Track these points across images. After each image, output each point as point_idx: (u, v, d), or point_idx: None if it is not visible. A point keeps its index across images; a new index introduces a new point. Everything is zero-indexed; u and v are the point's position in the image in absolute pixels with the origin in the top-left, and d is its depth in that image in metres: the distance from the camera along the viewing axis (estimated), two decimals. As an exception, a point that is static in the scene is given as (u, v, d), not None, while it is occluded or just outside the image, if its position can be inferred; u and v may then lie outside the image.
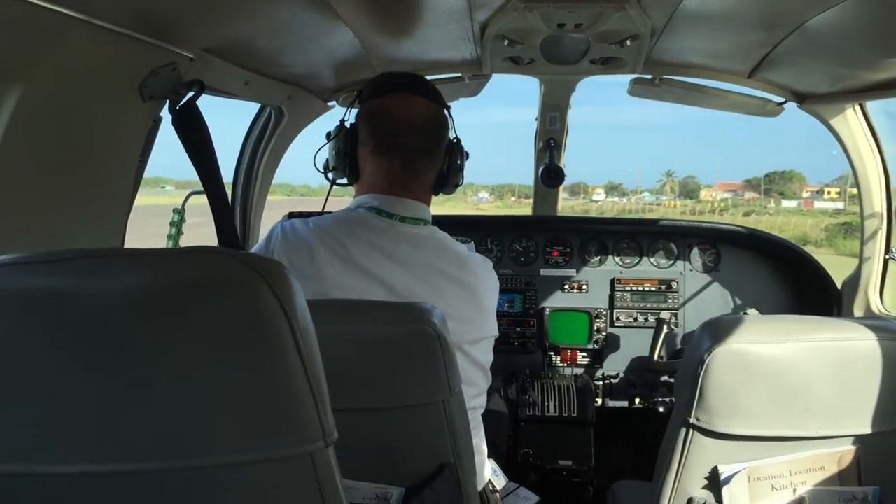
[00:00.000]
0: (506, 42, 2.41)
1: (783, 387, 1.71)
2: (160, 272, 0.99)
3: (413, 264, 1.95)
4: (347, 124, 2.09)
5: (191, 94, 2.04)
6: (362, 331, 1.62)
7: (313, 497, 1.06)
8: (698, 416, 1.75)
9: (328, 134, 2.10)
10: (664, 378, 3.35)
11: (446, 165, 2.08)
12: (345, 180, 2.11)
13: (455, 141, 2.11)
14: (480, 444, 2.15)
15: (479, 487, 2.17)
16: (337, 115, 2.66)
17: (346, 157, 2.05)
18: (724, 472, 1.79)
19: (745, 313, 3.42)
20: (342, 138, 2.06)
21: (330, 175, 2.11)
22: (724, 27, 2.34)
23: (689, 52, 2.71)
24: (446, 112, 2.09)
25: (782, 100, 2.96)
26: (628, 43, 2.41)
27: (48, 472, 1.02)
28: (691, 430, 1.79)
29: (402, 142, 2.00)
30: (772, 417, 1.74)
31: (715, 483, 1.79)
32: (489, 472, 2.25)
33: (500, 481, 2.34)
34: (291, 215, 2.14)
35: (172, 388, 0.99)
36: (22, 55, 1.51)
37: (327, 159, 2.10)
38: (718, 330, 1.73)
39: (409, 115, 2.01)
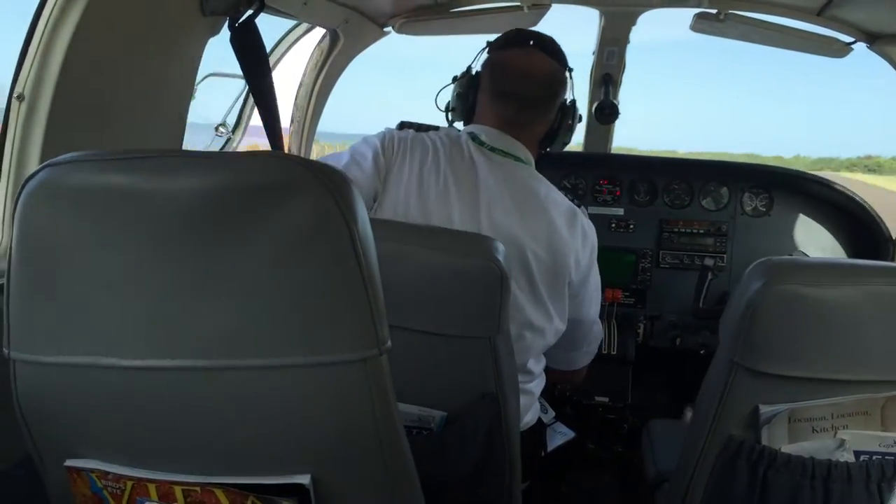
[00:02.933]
0: None
1: (832, 329, 1.69)
2: (227, 174, 1.00)
3: (502, 190, 1.99)
4: (474, 71, 2.14)
5: (250, 11, 2.05)
6: (424, 254, 1.64)
7: (365, 403, 1.09)
8: (743, 355, 1.74)
9: (454, 77, 2.17)
10: (707, 322, 3.33)
11: (557, 123, 2.13)
12: (461, 124, 2.18)
13: (570, 102, 2.15)
14: (531, 382, 2.17)
15: (530, 423, 2.21)
16: (393, 40, 2.68)
17: (465, 101, 2.13)
18: (765, 412, 1.79)
19: (796, 255, 3.36)
20: (465, 82, 2.14)
21: (449, 115, 2.19)
22: None
23: None
24: (567, 74, 2.13)
25: (852, 39, 2.85)
26: None
27: (115, 365, 1.06)
28: (735, 369, 1.78)
29: (518, 90, 2.05)
30: (818, 359, 1.73)
31: (755, 423, 1.80)
32: (538, 410, 2.28)
33: (547, 418, 2.37)
34: (403, 125, 2.21)
35: (233, 288, 1.02)
36: None
37: (448, 101, 2.18)
38: (770, 270, 1.71)
39: (529, 66, 2.06)
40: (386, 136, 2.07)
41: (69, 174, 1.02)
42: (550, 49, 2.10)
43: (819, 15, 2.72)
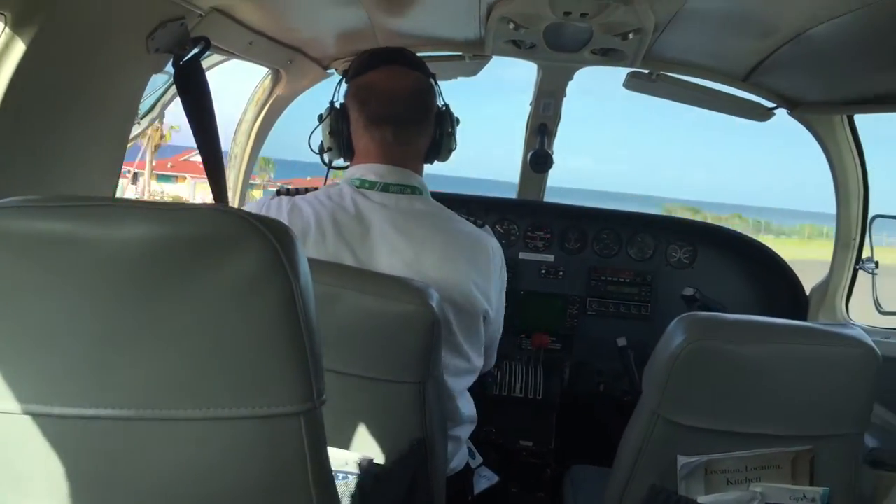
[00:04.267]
0: (511, 25, 2.44)
1: (748, 385, 1.78)
2: (171, 226, 1.01)
3: (404, 234, 1.97)
4: (337, 104, 2.12)
5: (196, 50, 2.06)
6: (357, 298, 1.64)
7: (300, 457, 1.10)
8: (665, 408, 1.82)
9: (320, 116, 2.13)
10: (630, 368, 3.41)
11: (438, 133, 2.11)
12: (342, 161, 2.15)
13: (443, 108, 2.14)
14: (460, 427, 2.18)
15: (457, 468, 2.22)
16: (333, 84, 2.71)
17: (339, 136, 2.09)
18: (684, 463, 1.86)
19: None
20: (334, 118, 2.09)
21: (326, 157, 2.15)
22: (724, 29, 2.39)
23: (687, 51, 2.75)
24: (432, 81, 2.12)
25: (774, 105, 3.01)
26: (630, 36, 2.44)
27: (48, 413, 1.05)
28: (657, 420, 1.85)
29: (391, 112, 2.02)
30: (734, 414, 1.81)
31: (673, 473, 1.86)
32: (466, 455, 2.29)
33: (475, 463, 2.39)
34: (279, 192, 2.17)
35: (172, 337, 1.03)
36: None
37: (321, 142, 2.13)
38: (693, 326, 1.79)
39: (395, 86, 2.04)
40: (261, 210, 2.02)
41: (10, 219, 1.02)
42: (409, 61, 2.09)
43: (744, 81, 2.87)
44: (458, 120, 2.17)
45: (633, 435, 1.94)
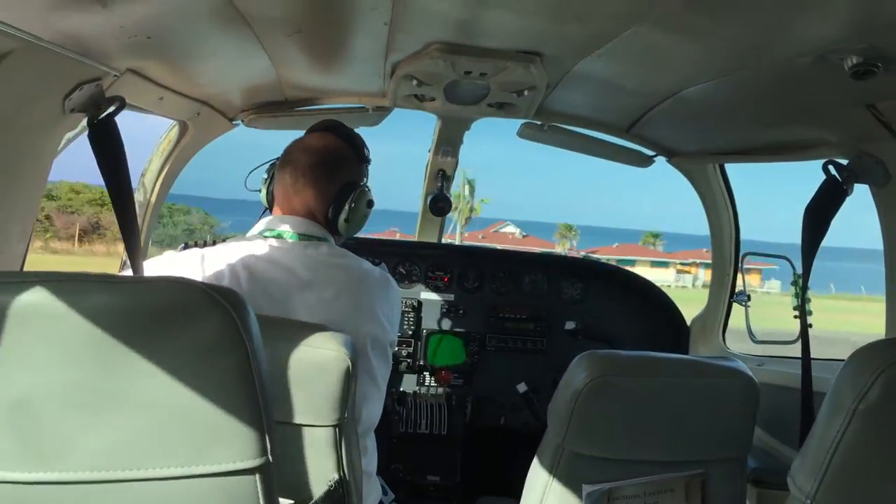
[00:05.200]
0: (413, 82, 2.57)
1: (644, 416, 1.96)
2: (132, 297, 1.09)
3: (317, 277, 2.07)
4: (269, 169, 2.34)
5: (111, 109, 2.09)
6: (275, 346, 1.67)
7: None
8: (569, 440, 1.97)
9: (264, 178, 2.34)
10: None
11: (339, 200, 2.19)
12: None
13: (359, 186, 2.23)
14: (371, 463, 2.26)
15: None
16: (240, 133, 2.82)
17: (269, 193, 2.29)
18: (588, 491, 2.01)
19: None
20: (270, 177, 2.30)
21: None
22: (608, 89, 2.60)
23: (576, 106, 2.97)
24: (357, 158, 2.27)
25: (653, 153, 3.27)
26: (525, 93, 2.62)
27: (15, 480, 1.09)
28: (561, 451, 2.00)
29: (296, 158, 2.19)
30: (632, 443, 1.98)
31: (579, 502, 2.01)
32: (380, 492, 2.37)
33: (387, 499, 2.47)
34: (187, 245, 2.23)
35: (134, 403, 1.10)
36: None
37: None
38: (593, 363, 1.96)
39: (311, 142, 2.23)
40: (169, 265, 2.10)
41: None
42: (342, 133, 2.26)
43: (627, 132, 3.11)
44: (370, 203, 2.26)
45: (540, 467, 2.08)
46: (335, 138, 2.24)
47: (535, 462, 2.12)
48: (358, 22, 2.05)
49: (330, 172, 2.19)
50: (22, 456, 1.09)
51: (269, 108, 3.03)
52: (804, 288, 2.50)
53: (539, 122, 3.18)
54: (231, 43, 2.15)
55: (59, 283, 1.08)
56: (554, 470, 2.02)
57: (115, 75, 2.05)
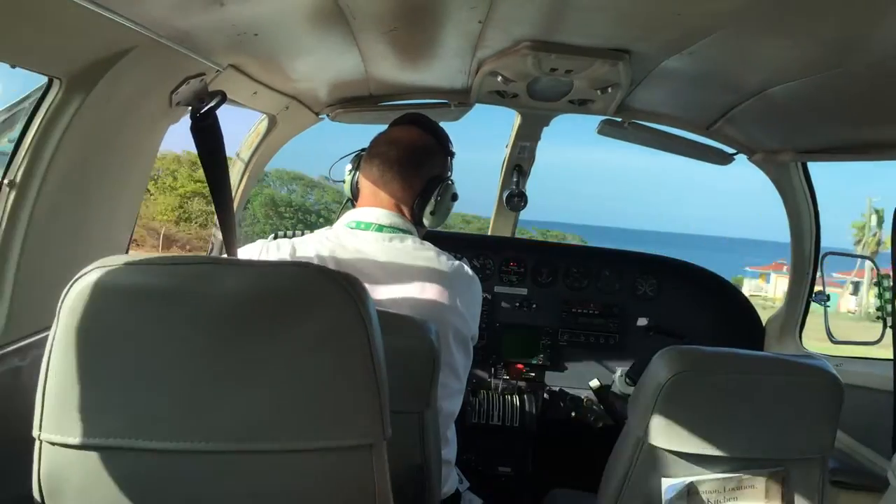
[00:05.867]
0: (498, 78, 2.62)
1: (728, 411, 1.97)
2: (262, 281, 1.16)
3: (403, 270, 2.13)
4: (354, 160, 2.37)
5: (212, 103, 2.19)
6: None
7: (368, 483, 1.25)
8: (650, 434, 1.99)
9: (348, 169, 2.36)
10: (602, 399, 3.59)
11: (426, 194, 2.24)
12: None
13: (445, 179, 2.29)
14: (450, 452, 2.32)
15: (449, 492, 2.36)
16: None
17: (353, 183, 2.33)
18: (668, 485, 2.03)
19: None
20: (353, 168, 2.33)
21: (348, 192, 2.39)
22: (692, 86, 2.61)
23: (657, 103, 2.97)
24: (444, 153, 2.31)
25: (734, 151, 3.25)
26: (609, 90, 2.65)
27: (143, 447, 1.18)
28: (641, 446, 2.03)
29: (384, 151, 2.23)
30: (714, 438, 2.00)
31: (657, 497, 2.03)
32: (456, 480, 2.43)
33: (463, 487, 2.53)
34: (277, 235, 2.32)
35: (260, 380, 1.17)
36: (94, 60, 1.66)
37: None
38: (678, 358, 1.98)
39: (398, 135, 2.26)
40: (261, 253, 2.14)
41: (119, 275, 1.15)
42: (428, 127, 2.29)
43: (707, 129, 3.10)
44: (454, 196, 2.31)
45: (619, 461, 2.10)
46: (421, 132, 2.27)
47: (614, 455, 2.15)
48: (453, 19, 2.10)
49: (417, 166, 2.23)
50: (157, 426, 1.17)
51: (354, 102, 3.11)
52: (894, 289, 2.47)
53: (619, 119, 3.19)
54: (328, 39, 2.23)
55: (198, 266, 1.16)
56: (633, 463, 2.05)
57: (218, 70, 2.15)
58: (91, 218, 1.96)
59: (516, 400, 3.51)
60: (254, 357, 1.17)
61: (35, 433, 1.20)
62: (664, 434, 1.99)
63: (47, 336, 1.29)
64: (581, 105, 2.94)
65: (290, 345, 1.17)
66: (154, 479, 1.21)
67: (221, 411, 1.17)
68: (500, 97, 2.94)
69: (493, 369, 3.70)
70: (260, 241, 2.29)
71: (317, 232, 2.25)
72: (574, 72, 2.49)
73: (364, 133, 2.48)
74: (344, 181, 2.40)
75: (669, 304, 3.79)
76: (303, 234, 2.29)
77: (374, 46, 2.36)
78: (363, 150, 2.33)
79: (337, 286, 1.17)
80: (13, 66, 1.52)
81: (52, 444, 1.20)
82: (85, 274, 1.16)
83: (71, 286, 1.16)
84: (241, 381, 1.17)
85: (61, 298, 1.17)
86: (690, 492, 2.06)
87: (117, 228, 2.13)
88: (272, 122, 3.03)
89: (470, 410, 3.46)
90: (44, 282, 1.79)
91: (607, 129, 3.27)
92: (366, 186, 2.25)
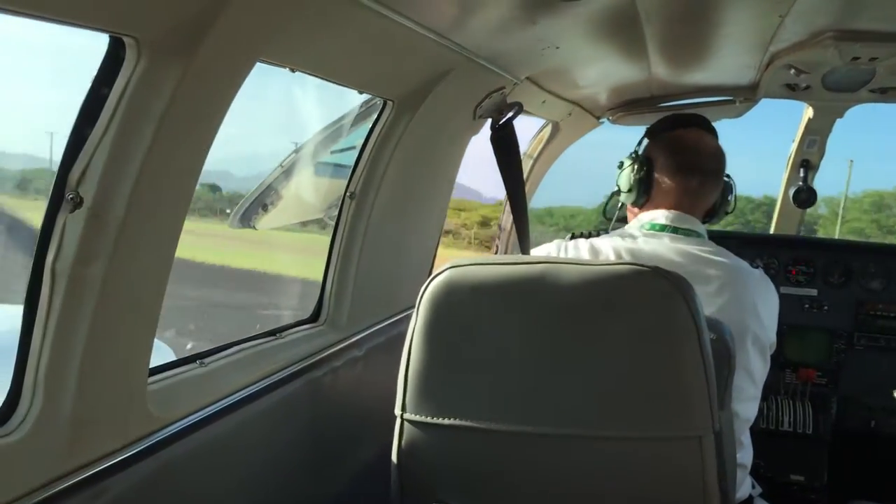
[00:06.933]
0: (791, 71, 2.53)
1: None
2: (596, 279, 1.25)
3: (698, 273, 2.12)
4: (633, 156, 2.32)
5: (510, 114, 2.33)
6: None
7: (696, 475, 1.29)
8: None
9: (620, 163, 2.34)
10: None
11: (721, 195, 2.27)
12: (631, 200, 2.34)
13: (728, 178, 2.29)
14: (745, 457, 2.28)
15: (742, 497, 2.32)
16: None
17: (642, 182, 2.28)
18: None
19: None
20: (640, 164, 2.29)
21: (624, 197, 2.35)
22: None
23: None
24: (723, 154, 2.29)
25: None
26: None
27: (493, 429, 1.32)
28: None
29: (699, 163, 2.21)
30: None
31: None
32: (749, 485, 2.38)
33: (755, 492, 2.46)
34: (573, 235, 2.40)
35: (598, 372, 1.26)
36: (420, 82, 1.85)
37: (620, 186, 2.34)
38: None
39: (702, 143, 2.24)
40: (560, 251, 2.17)
41: (469, 274, 1.30)
42: (710, 128, 2.25)
43: None
44: (736, 197, 2.34)
45: None
46: (708, 134, 2.26)
47: None
48: (751, 15, 2.08)
49: (720, 174, 2.25)
50: (504, 409, 1.31)
51: (635, 105, 3.14)
52: None
53: None
54: (619, 44, 2.29)
55: (538, 265, 1.28)
56: None
57: (516, 83, 2.29)
58: (409, 222, 2.18)
59: (808, 406, 3.34)
60: (588, 349, 1.26)
61: (397, 412, 1.38)
62: None
63: (377, 328, 1.47)
64: (883, 94, 2.75)
65: (623, 338, 1.24)
66: (499, 459, 1.34)
67: (560, 398, 1.28)
68: (791, 90, 2.83)
69: (781, 373, 3.54)
70: (556, 241, 2.40)
71: (612, 233, 2.31)
72: (879, 59, 2.34)
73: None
74: (622, 188, 2.40)
75: None
76: (598, 234, 2.36)
77: (663, 49, 2.39)
78: (635, 150, 2.34)
79: (669, 285, 1.23)
80: (361, 93, 1.74)
81: (411, 422, 1.37)
82: (440, 273, 1.33)
83: (428, 284, 1.33)
84: (578, 372, 1.27)
85: (420, 295, 1.34)
86: None
87: (428, 231, 2.34)
88: (555, 129, 3.15)
89: (758, 415, 3.35)
90: (374, 281, 2.02)
91: None
92: (661, 189, 2.25)
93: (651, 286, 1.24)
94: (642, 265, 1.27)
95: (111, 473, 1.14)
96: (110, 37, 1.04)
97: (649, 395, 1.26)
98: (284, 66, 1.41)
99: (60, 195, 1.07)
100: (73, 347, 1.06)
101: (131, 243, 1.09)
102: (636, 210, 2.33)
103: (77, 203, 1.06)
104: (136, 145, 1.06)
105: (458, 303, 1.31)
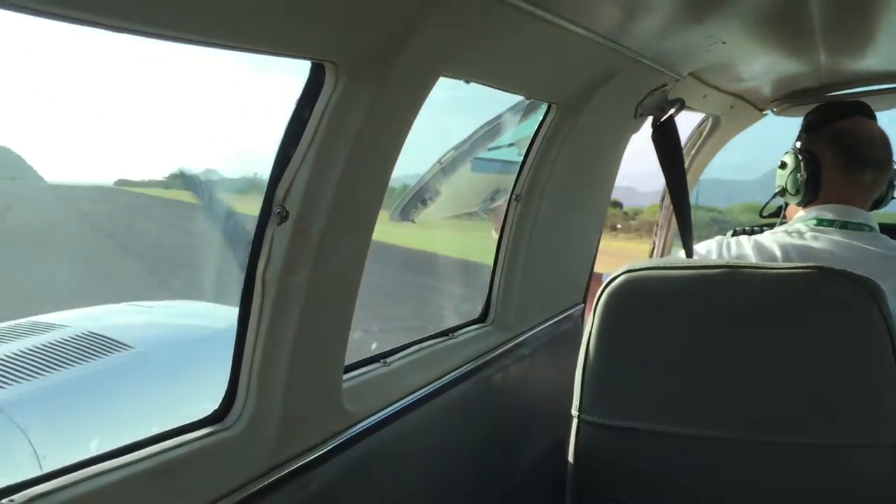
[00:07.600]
0: None
1: None
2: (780, 283, 1.24)
3: (873, 268, 2.03)
4: (794, 154, 2.22)
5: (672, 111, 2.30)
6: None
7: (890, 488, 1.25)
8: None
9: (783, 164, 2.25)
10: None
11: (890, 183, 2.20)
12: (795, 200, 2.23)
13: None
14: None
15: None
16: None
17: (811, 182, 2.18)
18: None
19: None
20: (807, 162, 2.18)
21: (789, 199, 2.28)
22: None
23: None
24: None
25: None
26: None
27: (671, 432, 1.32)
28: None
29: (873, 155, 2.13)
30: None
31: None
32: None
33: None
34: (735, 232, 2.33)
35: (786, 378, 1.25)
36: (583, 84, 1.87)
37: (785, 186, 2.24)
38: None
39: (871, 132, 2.15)
40: (722, 249, 2.12)
41: (646, 278, 1.31)
42: (872, 115, 2.17)
43: None
44: None
45: None
46: (872, 122, 2.17)
47: None
48: None
49: (886, 160, 2.16)
50: (683, 413, 1.31)
51: (801, 95, 3.01)
52: None
53: None
54: (786, 35, 2.21)
55: (720, 270, 1.28)
56: None
57: (678, 79, 2.26)
58: (571, 223, 2.20)
59: None
60: (772, 354, 1.25)
61: (574, 412, 1.42)
62: None
63: (541, 328, 1.49)
64: None
65: (809, 343, 1.23)
66: (681, 463, 1.35)
67: (747, 404, 1.27)
68: None
69: None
70: (717, 237, 2.34)
71: (776, 229, 2.23)
72: None
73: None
74: (788, 189, 2.29)
75: None
76: (762, 230, 2.28)
77: (833, 36, 2.28)
78: (795, 147, 2.24)
79: (858, 287, 1.20)
80: (528, 99, 1.78)
81: (589, 423, 1.40)
82: (616, 278, 1.34)
83: (604, 288, 1.35)
84: (764, 377, 1.26)
85: (596, 297, 1.36)
86: None
87: (590, 231, 2.36)
88: (716, 123, 3.07)
89: None
90: (539, 281, 2.06)
91: None
92: (830, 185, 2.16)
93: (840, 289, 1.21)
94: (829, 267, 1.24)
95: (314, 466, 1.23)
96: (312, 63, 1.13)
97: (840, 401, 1.24)
98: (461, 79, 1.46)
99: (269, 209, 1.16)
100: (282, 349, 1.15)
101: (330, 251, 1.17)
102: (798, 206, 2.24)
103: (283, 216, 1.14)
104: (335, 161, 1.14)
105: (637, 308, 1.33)
